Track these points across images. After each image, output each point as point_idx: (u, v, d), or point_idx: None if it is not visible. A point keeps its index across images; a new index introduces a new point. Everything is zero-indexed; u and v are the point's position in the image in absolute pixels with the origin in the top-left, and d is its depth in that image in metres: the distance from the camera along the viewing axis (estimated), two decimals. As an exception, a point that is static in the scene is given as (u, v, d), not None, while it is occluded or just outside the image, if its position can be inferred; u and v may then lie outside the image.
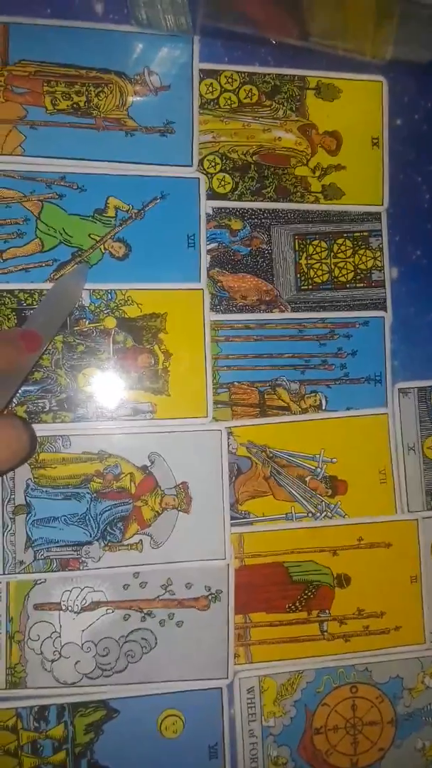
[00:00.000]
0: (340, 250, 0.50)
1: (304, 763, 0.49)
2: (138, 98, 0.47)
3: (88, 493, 0.47)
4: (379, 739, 0.50)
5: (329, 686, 0.49)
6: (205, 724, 0.48)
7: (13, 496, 0.46)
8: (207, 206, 0.48)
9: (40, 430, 0.46)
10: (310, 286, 0.49)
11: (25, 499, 0.46)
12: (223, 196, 0.48)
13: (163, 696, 0.47)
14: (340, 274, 0.50)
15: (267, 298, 0.49)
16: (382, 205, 0.50)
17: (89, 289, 0.47)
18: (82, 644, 0.47)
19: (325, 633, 0.49)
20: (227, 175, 0.48)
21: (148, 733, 0.47)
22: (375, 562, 0.50)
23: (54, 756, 0.46)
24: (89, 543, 0.46)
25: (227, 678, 0.48)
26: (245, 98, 0.48)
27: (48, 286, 0.46)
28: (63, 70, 0.46)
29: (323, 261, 0.50)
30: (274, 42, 0.47)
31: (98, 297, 0.47)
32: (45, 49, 0.46)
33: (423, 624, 0.50)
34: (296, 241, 0.49)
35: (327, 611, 0.49)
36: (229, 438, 0.48)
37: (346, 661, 0.49)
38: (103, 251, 0.47)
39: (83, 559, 0.46)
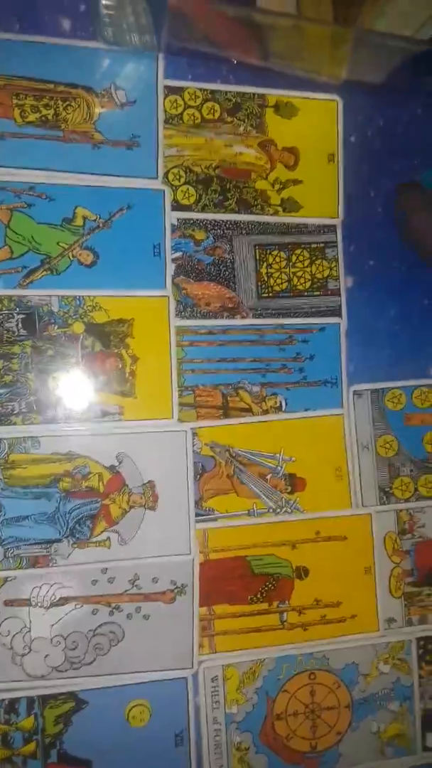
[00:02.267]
0: (298, 260, 0.52)
1: (265, 749, 0.52)
2: (105, 112, 0.49)
3: (57, 492, 0.48)
4: (336, 723, 0.53)
5: (289, 673, 0.52)
6: (171, 712, 0.50)
7: (-16, 496, 0.47)
8: (172, 217, 0.50)
9: (10, 432, 0.47)
10: (270, 294, 0.52)
11: (-4, 498, 0.47)
12: (187, 208, 0.51)
13: (131, 686, 0.49)
14: (299, 283, 0.53)
15: (229, 305, 0.51)
16: (338, 217, 0.53)
17: (58, 296, 0.48)
18: (52, 638, 0.48)
19: (285, 623, 0.52)
20: (191, 188, 0.51)
21: (117, 723, 0.49)
22: (332, 555, 0.52)
23: (24, 747, 0.47)
24: (58, 541, 0.48)
25: (192, 668, 0.50)
26: (208, 114, 0.51)
27: (18, 292, 0.48)
28: (32, 83, 0.48)
29: (282, 270, 0.52)
30: (235, 61, 0.50)
31: (67, 303, 0.48)
32: (14, 63, 0.48)
33: (377, 612, 0.53)
34: (257, 251, 0.52)
35: (286, 602, 0.52)
36: (193, 438, 0.50)
37: (305, 649, 0.52)
38: (72, 258, 0.49)
39: (52, 556, 0.48)
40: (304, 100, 0.52)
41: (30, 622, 0.48)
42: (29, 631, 0.48)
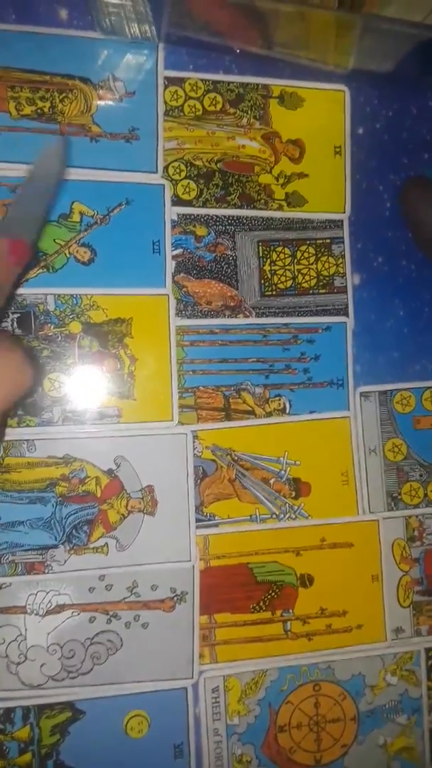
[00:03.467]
0: (303, 257, 0.51)
1: (268, 761, 0.50)
2: (103, 104, 0.47)
3: (53, 497, 0.47)
4: (341, 736, 0.51)
5: (293, 684, 0.50)
6: (170, 723, 0.48)
7: (-23, 501, 0.46)
8: (172, 212, 0.49)
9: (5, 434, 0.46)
10: (274, 292, 0.50)
11: (-10, 503, 0.46)
12: (187, 203, 0.49)
13: (129, 697, 0.48)
14: (303, 281, 0.51)
15: (231, 304, 0.50)
16: (344, 212, 0.51)
17: (54, 294, 0.47)
18: (48, 647, 0.47)
19: (289, 632, 0.50)
20: (192, 182, 0.49)
21: (114, 734, 0.48)
22: (337, 562, 0.51)
23: (20, 757, 0.46)
24: (54, 546, 0.47)
25: (192, 678, 0.49)
26: (209, 106, 0.49)
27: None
28: (27, 75, 0.46)
29: (287, 267, 0.51)
30: (238, 51, 0.48)
31: (63, 302, 0.47)
32: (9, 55, 0.46)
33: (384, 622, 0.51)
34: (260, 247, 0.50)
35: (290, 611, 0.50)
36: (194, 441, 0.49)
37: (309, 659, 0.50)
38: (68, 256, 0.47)
39: (49, 562, 0.47)
40: (309, 90, 0.50)
41: (25, 629, 0.47)
42: (25, 639, 0.47)
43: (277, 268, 0.50)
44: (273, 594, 0.50)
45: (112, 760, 0.48)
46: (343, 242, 0.51)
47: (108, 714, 0.48)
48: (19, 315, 0.46)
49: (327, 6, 0.41)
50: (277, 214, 0.50)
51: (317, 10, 0.41)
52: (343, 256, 0.51)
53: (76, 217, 0.47)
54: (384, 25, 0.41)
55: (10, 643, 0.46)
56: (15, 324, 0.46)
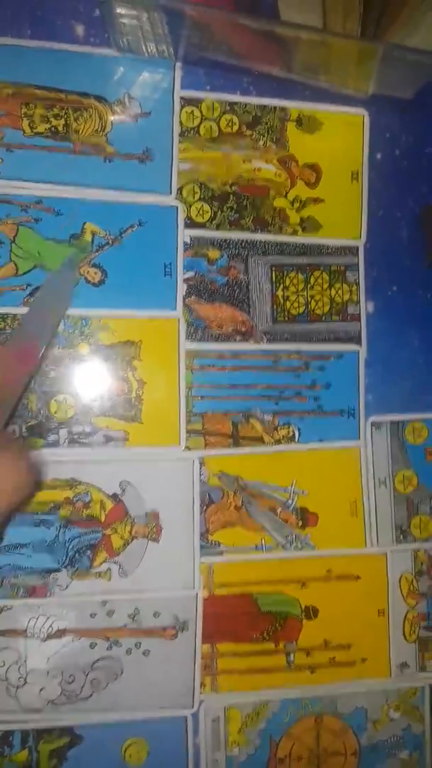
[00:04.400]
0: (316, 283, 0.50)
1: (267, 792, 0.50)
2: (117, 124, 0.47)
3: (57, 520, 0.46)
4: (342, 770, 0.51)
5: (294, 717, 0.50)
6: (169, 752, 0.48)
7: (-20, 524, 0.45)
8: (185, 235, 0.48)
9: (10, 457, 0.45)
10: (286, 318, 0.49)
11: (-7, 526, 0.45)
12: (201, 225, 0.48)
13: (128, 724, 0.47)
14: (316, 307, 0.50)
15: (243, 329, 0.49)
16: (360, 239, 0.50)
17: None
18: (48, 671, 0.46)
19: (292, 664, 0.49)
20: (205, 204, 0.48)
21: (113, 761, 0.47)
22: (343, 595, 0.50)
23: (17, 782, 0.46)
24: (57, 570, 0.46)
25: (192, 707, 0.48)
26: (226, 127, 0.48)
27: (22, 310, 0.46)
28: (42, 92, 0.46)
29: (300, 293, 0.50)
30: (256, 72, 0.47)
31: (72, 323, 0.46)
32: (24, 71, 0.46)
33: (388, 657, 0.50)
34: (273, 272, 0.49)
35: (294, 642, 0.49)
36: (201, 467, 0.48)
37: (312, 692, 0.50)
38: (79, 276, 0.47)
39: (50, 586, 0.46)
40: (328, 113, 0.49)
41: (26, 653, 0.46)
42: (25, 662, 0.46)
43: (289, 293, 0.49)
44: (277, 625, 0.49)
45: (110, 788, 0.47)
46: (357, 269, 0.50)
47: (107, 740, 0.47)
48: (27, 336, 0.46)
49: (349, 34, 0.40)
50: (292, 239, 0.49)
51: (340, 38, 0.40)
52: (358, 284, 0.50)
53: (88, 237, 0.47)
54: (407, 55, 0.40)
55: (9, 667, 0.46)
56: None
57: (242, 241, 0.49)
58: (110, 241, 0.47)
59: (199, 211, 0.48)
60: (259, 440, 0.49)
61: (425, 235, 0.50)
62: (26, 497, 0.36)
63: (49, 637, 0.46)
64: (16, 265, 0.46)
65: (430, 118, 0.50)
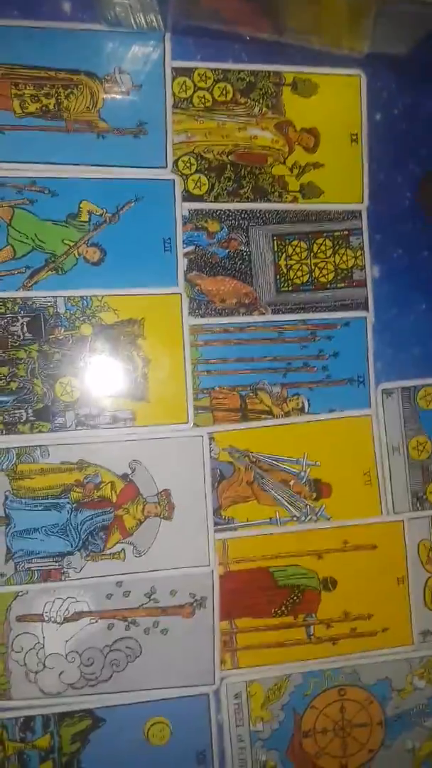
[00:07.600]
0: (320, 250, 0.49)
1: (293, 767, 0.49)
2: (109, 99, 0.46)
3: (68, 503, 0.46)
4: (368, 741, 0.50)
5: (317, 689, 0.49)
6: (192, 730, 0.48)
7: (-9, 509, 0.45)
8: (183, 208, 0.47)
9: (18, 441, 0.45)
10: (290, 288, 0.49)
11: (4, 511, 0.45)
12: (199, 198, 0.47)
13: (150, 704, 0.47)
14: (321, 275, 0.49)
15: (246, 301, 0.48)
16: (362, 203, 0.49)
17: (64, 297, 0.46)
18: (66, 655, 0.46)
19: (312, 636, 0.49)
20: (203, 176, 0.47)
21: (136, 741, 0.47)
22: (361, 565, 0.49)
23: (41, 766, 0.46)
24: (70, 553, 0.46)
25: (214, 684, 0.48)
26: (219, 96, 0.47)
27: (21, 294, 0.45)
28: (31, 71, 0.45)
29: (303, 261, 0.49)
30: (247, 38, 0.46)
31: (73, 304, 0.46)
32: (12, 51, 0.45)
33: (410, 625, 0.50)
34: (275, 241, 0.48)
35: (313, 615, 0.49)
36: (210, 443, 0.48)
37: (334, 663, 0.49)
38: (78, 256, 0.46)
39: (65, 569, 0.46)
40: (323, 76, 0.48)
41: (43, 638, 0.46)
42: (43, 647, 0.46)
43: (293, 262, 0.49)
44: (295, 598, 0.48)
45: (135, 768, 0.47)
46: (361, 233, 0.49)
47: (129, 721, 0.47)
48: (28, 319, 0.45)
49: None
50: (292, 207, 0.48)
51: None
52: (362, 248, 0.49)
53: (85, 217, 0.46)
54: (401, 6, 0.39)
55: (28, 652, 0.46)
56: (25, 328, 0.45)
57: (242, 211, 0.48)
58: (107, 219, 0.46)
59: (196, 183, 0.47)
60: (268, 413, 0.48)
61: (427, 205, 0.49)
62: None
63: (66, 620, 0.46)
64: (13, 248, 0.45)
65: (427, 75, 0.49)
